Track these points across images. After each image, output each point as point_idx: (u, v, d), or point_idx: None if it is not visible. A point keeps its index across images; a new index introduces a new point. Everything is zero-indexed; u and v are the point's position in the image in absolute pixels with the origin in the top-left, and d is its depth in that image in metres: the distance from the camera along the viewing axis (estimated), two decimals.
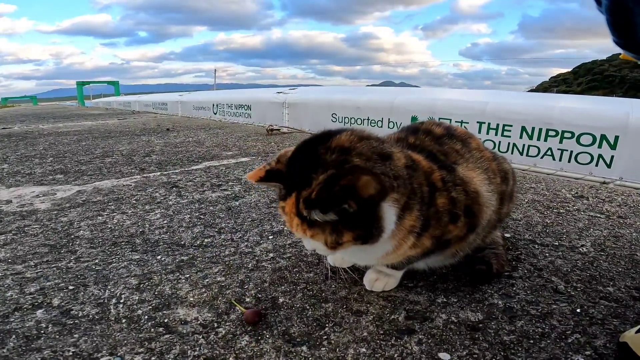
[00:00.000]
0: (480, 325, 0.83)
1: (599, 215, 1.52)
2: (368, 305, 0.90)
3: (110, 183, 2.03)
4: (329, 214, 0.68)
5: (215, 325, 0.83)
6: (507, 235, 1.29)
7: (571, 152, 2.70)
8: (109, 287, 1.00)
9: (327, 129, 0.80)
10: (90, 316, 0.87)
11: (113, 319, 0.86)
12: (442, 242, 0.84)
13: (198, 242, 1.26)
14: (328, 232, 0.72)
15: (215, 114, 6.89)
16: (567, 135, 2.72)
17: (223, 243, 1.25)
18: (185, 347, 0.76)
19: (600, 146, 2.59)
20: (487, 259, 1.02)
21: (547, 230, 1.34)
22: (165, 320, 0.85)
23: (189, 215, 1.51)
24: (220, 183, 1.99)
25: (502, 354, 0.74)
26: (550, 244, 1.24)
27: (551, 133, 2.78)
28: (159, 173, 2.24)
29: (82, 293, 0.97)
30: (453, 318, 0.85)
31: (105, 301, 0.93)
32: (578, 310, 0.88)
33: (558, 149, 2.76)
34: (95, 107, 12.23)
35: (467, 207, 0.84)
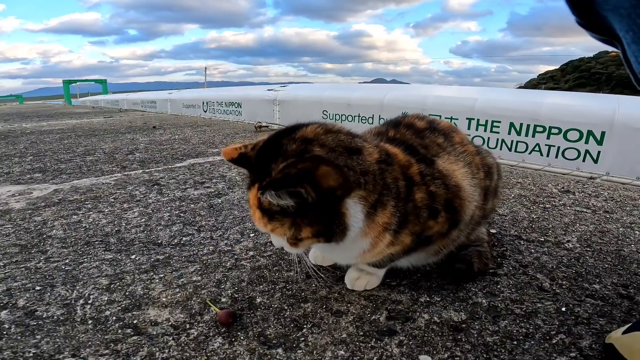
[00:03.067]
0: (463, 325, 0.80)
1: (585, 210, 1.50)
2: (349, 305, 0.87)
3: (89, 181, 1.97)
4: (284, 196, 0.63)
5: (188, 326, 0.79)
6: (493, 231, 1.27)
7: (558, 147, 2.72)
8: (77, 287, 0.95)
9: (298, 122, 0.76)
10: (55, 317, 0.83)
11: (79, 320, 0.81)
12: (423, 239, 0.81)
13: (176, 241, 1.22)
14: (287, 226, 0.68)
15: (205, 111, 6.80)
16: (554, 131, 2.73)
17: (202, 241, 1.21)
18: (154, 349, 0.72)
19: (587, 142, 2.61)
20: (469, 257, 0.99)
21: (533, 226, 1.33)
22: (135, 322, 0.81)
23: (168, 214, 1.46)
24: (203, 180, 1.94)
25: (485, 356, 0.71)
26: (535, 239, 1.22)
27: (539, 129, 2.78)
28: (140, 171, 2.19)
29: (48, 294, 0.92)
30: (436, 318, 0.82)
31: (72, 302, 0.88)
32: (563, 309, 0.86)
33: (546, 145, 2.77)
34: (82, 106, 12.02)
35: (447, 202, 0.81)
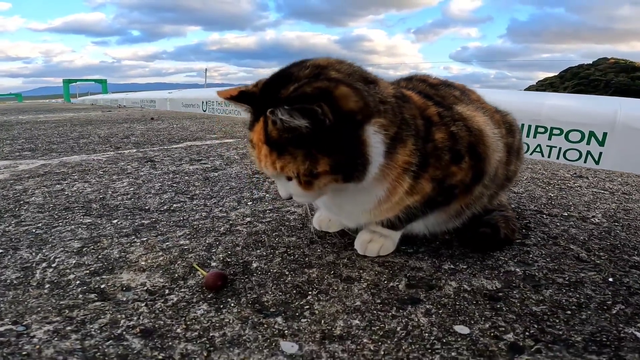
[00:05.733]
0: (500, 294, 0.64)
1: (602, 191, 1.35)
2: (360, 271, 0.70)
3: (79, 158, 1.79)
4: (296, 115, 0.52)
5: (167, 292, 0.62)
6: (512, 205, 1.11)
7: (560, 148, 2.58)
8: (43, 250, 0.77)
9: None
10: (8, 281, 0.65)
11: (34, 284, 0.64)
12: (445, 189, 0.67)
13: (165, 207, 1.04)
14: (300, 159, 0.55)
15: (204, 111, 6.60)
16: (555, 132, 2.59)
17: (194, 208, 1.04)
18: (119, 315, 0.55)
19: (588, 143, 2.48)
20: (494, 221, 0.83)
21: (553, 203, 1.17)
22: (102, 286, 0.63)
23: (160, 184, 1.29)
24: (200, 158, 1.77)
25: (536, 326, 0.55)
26: (559, 214, 1.06)
27: (540, 130, 2.65)
28: (134, 150, 2.00)
29: (9, 257, 0.74)
30: (465, 286, 0.66)
31: (33, 265, 0.71)
32: (610, 279, 0.70)
33: (547, 146, 2.62)
34: (81, 104, 11.69)
35: (471, 146, 0.67)
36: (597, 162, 2.43)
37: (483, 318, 0.57)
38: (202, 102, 6.68)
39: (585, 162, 2.46)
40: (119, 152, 1.95)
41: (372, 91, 0.60)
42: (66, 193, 1.18)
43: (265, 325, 0.54)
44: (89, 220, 0.94)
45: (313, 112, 0.52)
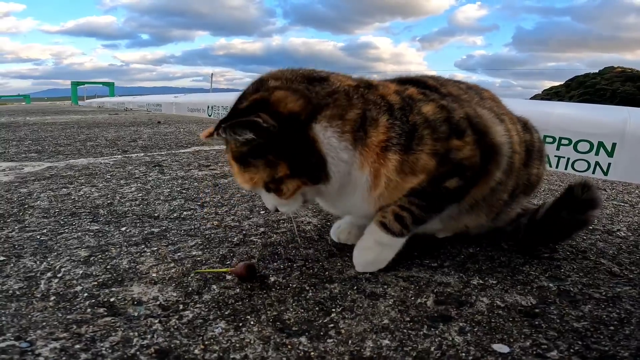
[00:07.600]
0: (537, 310, 0.59)
1: (622, 204, 1.31)
2: (385, 286, 0.66)
3: (87, 161, 1.75)
4: (240, 130, 0.55)
5: (181, 307, 0.58)
6: None
7: (568, 159, 2.52)
8: (48, 259, 0.73)
9: None
10: (10, 291, 0.61)
11: (39, 295, 0.59)
12: (454, 167, 0.62)
13: (175, 215, 1.00)
14: (262, 167, 0.58)
15: (210, 116, 6.58)
16: (564, 142, 2.54)
17: (205, 216, 0.99)
18: (131, 333, 0.50)
19: (597, 153, 2.42)
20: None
21: None
22: (111, 300, 0.59)
23: (168, 190, 1.25)
24: (209, 164, 1.73)
25: (580, 342, 0.51)
26: None
27: (548, 140, 2.59)
28: (142, 154, 1.97)
29: (11, 265, 0.70)
30: (498, 302, 0.61)
31: (37, 275, 0.66)
32: None
33: (555, 156, 2.57)
34: (88, 106, 11.68)
35: (472, 123, 0.64)
36: (605, 174, 2.37)
37: (522, 335, 0.52)
38: (208, 107, 6.66)
39: (593, 173, 2.41)
40: (127, 155, 1.92)
41: (317, 87, 0.60)
42: (73, 197, 1.14)
43: (289, 347, 0.50)
44: (96, 227, 0.90)
45: (254, 123, 0.53)
